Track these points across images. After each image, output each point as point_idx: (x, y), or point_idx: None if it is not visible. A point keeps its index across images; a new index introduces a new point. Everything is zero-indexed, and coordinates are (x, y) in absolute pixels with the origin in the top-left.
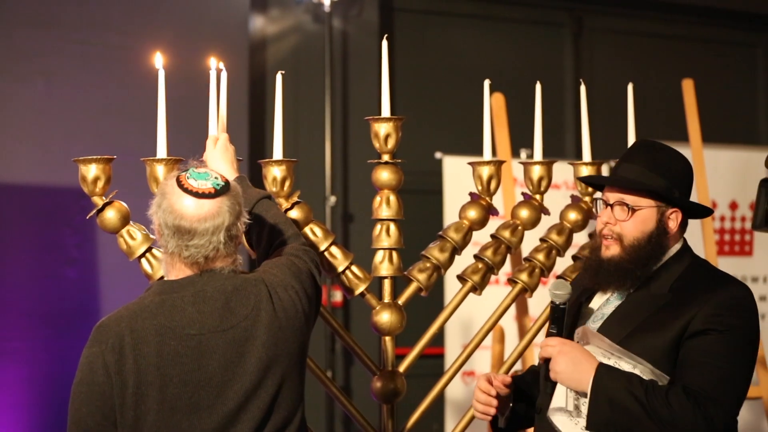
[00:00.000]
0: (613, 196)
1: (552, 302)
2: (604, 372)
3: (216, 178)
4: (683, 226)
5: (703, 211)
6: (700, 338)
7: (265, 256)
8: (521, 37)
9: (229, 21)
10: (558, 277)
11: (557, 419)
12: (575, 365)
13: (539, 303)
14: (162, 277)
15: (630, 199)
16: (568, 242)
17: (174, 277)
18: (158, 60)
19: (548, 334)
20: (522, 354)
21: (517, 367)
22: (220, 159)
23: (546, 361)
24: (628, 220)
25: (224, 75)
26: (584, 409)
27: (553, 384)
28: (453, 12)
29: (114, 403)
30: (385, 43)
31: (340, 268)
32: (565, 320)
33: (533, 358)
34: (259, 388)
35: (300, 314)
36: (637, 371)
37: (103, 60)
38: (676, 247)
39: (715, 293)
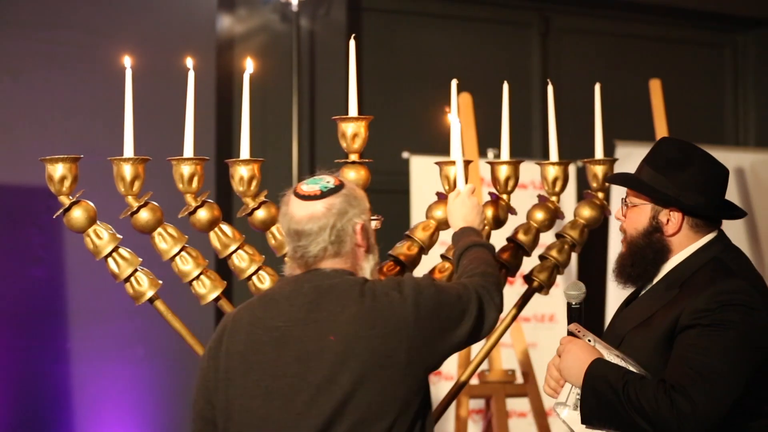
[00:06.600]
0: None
1: (568, 303)
2: (595, 365)
3: (327, 181)
4: (698, 225)
5: (715, 215)
6: (686, 333)
7: None
8: (488, 37)
9: (196, 20)
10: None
11: (563, 413)
12: (576, 360)
13: (506, 302)
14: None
15: (630, 196)
16: (535, 242)
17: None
18: (126, 59)
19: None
20: (488, 354)
21: (484, 366)
22: (455, 212)
23: None
24: (625, 216)
25: (191, 74)
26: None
27: None
28: (421, 12)
29: (212, 388)
30: (352, 43)
31: None
32: (582, 320)
33: (500, 358)
34: (331, 383)
35: (398, 318)
36: (630, 367)
37: (70, 59)
38: (692, 246)
39: (706, 288)
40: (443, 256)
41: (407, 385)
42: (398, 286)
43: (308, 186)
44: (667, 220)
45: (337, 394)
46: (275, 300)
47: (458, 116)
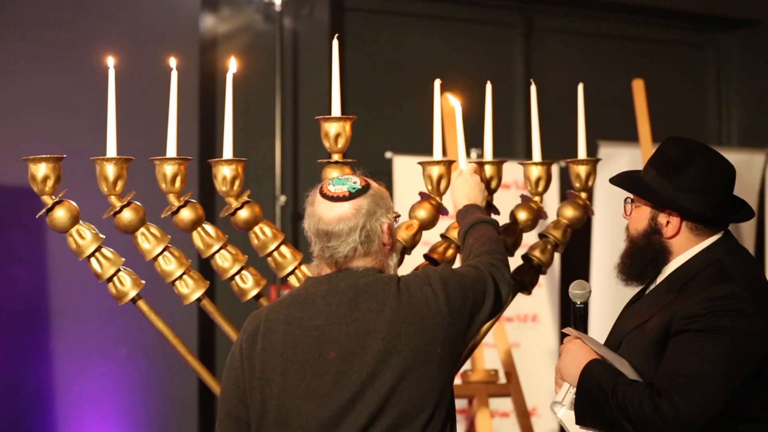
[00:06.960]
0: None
1: (572, 303)
2: (591, 366)
3: (354, 182)
4: (699, 228)
5: (715, 217)
6: (678, 337)
7: None
8: (472, 37)
9: (179, 20)
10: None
11: (559, 412)
12: (574, 360)
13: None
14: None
15: (634, 196)
16: (518, 242)
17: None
18: (109, 59)
19: None
20: (471, 354)
21: (467, 366)
22: (458, 190)
23: None
24: (628, 216)
25: (174, 74)
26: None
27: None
28: (404, 12)
29: (245, 387)
30: (335, 43)
31: (290, 268)
32: (587, 320)
33: (482, 358)
34: (374, 379)
35: (434, 312)
36: (623, 369)
37: (53, 58)
38: (694, 249)
39: (700, 293)
40: (426, 256)
41: (443, 376)
42: (427, 280)
43: (335, 187)
44: (667, 222)
45: (381, 390)
46: (311, 300)
47: (441, 116)
